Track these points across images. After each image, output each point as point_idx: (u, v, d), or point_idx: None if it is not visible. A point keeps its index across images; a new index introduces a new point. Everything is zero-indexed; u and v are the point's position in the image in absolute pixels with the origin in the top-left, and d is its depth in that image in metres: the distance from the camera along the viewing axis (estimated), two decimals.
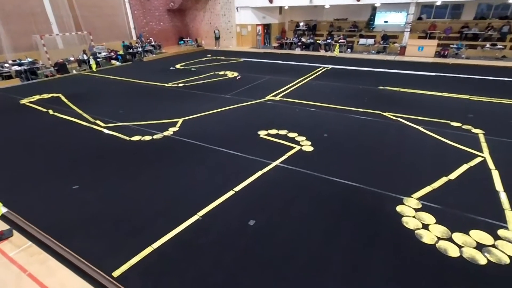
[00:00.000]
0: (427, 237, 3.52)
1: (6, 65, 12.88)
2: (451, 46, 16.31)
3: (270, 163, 5.22)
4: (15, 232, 3.70)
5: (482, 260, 3.19)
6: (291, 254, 3.31)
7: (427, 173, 4.87)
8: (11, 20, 13.82)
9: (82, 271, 3.12)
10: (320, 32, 21.79)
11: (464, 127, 6.73)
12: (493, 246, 3.37)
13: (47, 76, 13.36)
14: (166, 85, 11.13)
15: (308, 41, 19.87)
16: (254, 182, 4.69)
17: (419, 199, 4.21)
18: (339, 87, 10.44)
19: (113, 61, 16.45)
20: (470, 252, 3.29)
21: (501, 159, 5.24)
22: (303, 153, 5.62)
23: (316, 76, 12.34)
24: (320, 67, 14.16)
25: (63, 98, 9.68)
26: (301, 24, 22.20)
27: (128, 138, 6.36)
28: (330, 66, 14.25)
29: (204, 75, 12.53)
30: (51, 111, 8.32)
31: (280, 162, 5.26)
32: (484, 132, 6.39)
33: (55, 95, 10.08)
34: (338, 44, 18.20)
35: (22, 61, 13.26)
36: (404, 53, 16.85)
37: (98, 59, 15.36)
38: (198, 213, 3.96)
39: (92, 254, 3.32)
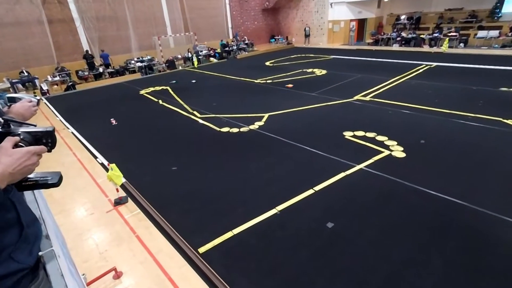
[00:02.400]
0: None
1: (132, 62, 15.88)
2: None
3: (354, 166, 4.96)
4: (129, 200, 4.57)
5: None
6: (368, 265, 3.10)
7: None
8: (139, 25, 16.84)
9: (174, 242, 3.63)
10: (425, 25, 19.18)
11: None
12: None
13: (159, 71, 15.81)
14: (256, 81, 11.71)
15: (409, 36, 17.75)
16: (336, 183, 4.55)
17: None
18: (444, 88, 9.03)
19: (211, 58, 18.25)
20: None
21: None
22: (392, 159, 5.13)
23: (416, 74, 10.96)
24: (422, 64, 12.50)
25: (170, 90, 11.28)
26: (403, 17, 19.96)
27: (218, 129, 7.00)
28: (435, 64, 12.43)
29: (292, 72, 12.65)
30: (160, 101, 9.81)
31: (365, 166, 4.94)
32: None
33: (164, 87, 11.84)
34: (447, 38, 15.67)
35: (143, 59, 16.02)
36: None
37: (199, 57, 17.30)
38: (276, 207, 4.09)
39: (183, 228, 3.82)
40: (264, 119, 7.42)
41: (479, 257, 3.09)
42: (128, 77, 14.78)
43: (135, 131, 7.50)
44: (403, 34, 18.25)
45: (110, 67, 15.30)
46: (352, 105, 8.08)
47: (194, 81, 10.04)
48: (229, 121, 7.50)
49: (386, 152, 5.35)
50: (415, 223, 3.64)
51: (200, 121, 7.69)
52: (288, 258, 3.27)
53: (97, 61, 15.51)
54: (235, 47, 19.47)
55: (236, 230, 3.72)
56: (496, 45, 15.08)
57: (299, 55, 17.40)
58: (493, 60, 12.47)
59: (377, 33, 20.08)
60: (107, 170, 4.58)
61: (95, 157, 6.10)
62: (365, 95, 8.81)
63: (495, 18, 16.89)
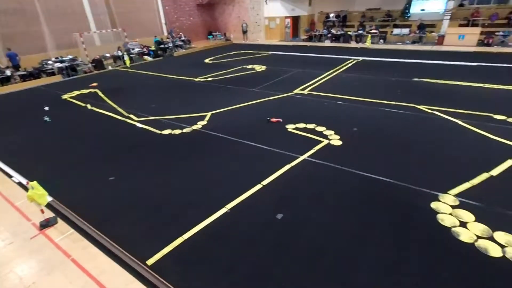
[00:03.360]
0: (465, 236, 3.33)
1: (50, 62, 13.88)
2: (497, 33, 14.94)
3: (298, 157, 5.18)
4: (59, 220, 4.02)
5: None
6: (320, 249, 3.28)
7: (466, 169, 4.56)
8: (54, 20, 14.82)
9: (119, 258, 3.33)
10: (351, 23, 20.97)
11: (510, 120, 6.19)
12: None
13: (85, 72, 14.23)
14: (195, 79, 11.38)
15: (338, 33, 19.24)
16: (282, 176, 4.69)
17: (457, 195, 3.97)
18: (370, 80, 10.03)
19: (145, 57, 17.11)
20: None
21: None
22: (331, 147, 5.51)
23: (346, 68, 11.94)
24: (351, 59, 13.67)
25: (99, 93, 10.26)
26: (331, 15, 21.50)
27: (159, 132, 6.62)
28: (361, 58, 13.71)
29: (232, 69, 12.63)
30: (89, 106, 8.86)
31: (308, 156, 5.20)
32: None
33: (92, 90, 10.71)
34: (370, 35, 17.42)
35: (64, 58, 14.20)
36: (443, 43, 15.75)
37: (131, 55, 16.05)
38: (226, 206, 4.04)
39: (128, 242, 3.52)
40: (207, 118, 7.26)
41: (410, 226, 3.52)
42: (45, 80, 12.87)
43: (60, 141, 6.63)
44: (333, 31, 19.68)
45: (20, 69, 13.08)
46: (293, 99, 8.42)
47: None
48: (170, 122, 7.15)
49: (325, 142, 5.72)
50: (356, 203, 3.97)
51: (138, 124, 7.17)
52: (244, 254, 3.27)
53: (2, 62, 13.15)
54: (171, 45, 18.62)
55: (187, 235, 3.57)
56: (408, 41, 17.27)
57: (239, 52, 17.46)
58: (407, 54, 14.27)
59: (310, 30, 21.25)
60: (26, 189, 3.95)
61: (10, 176, 5.23)
62: (303, 89, 9.27)
63: (406, 17, 19.33)
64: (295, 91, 9.06)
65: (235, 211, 3.96)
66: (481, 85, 8.73)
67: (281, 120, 6.74)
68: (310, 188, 4.38)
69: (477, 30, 15.16)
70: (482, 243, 3.21)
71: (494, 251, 3.11)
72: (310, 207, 3.96)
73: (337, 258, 3.15)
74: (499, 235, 3.29)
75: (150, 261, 3.22)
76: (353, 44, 18.16)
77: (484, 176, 4.36)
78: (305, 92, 8.99)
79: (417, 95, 8.15)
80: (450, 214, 3.66)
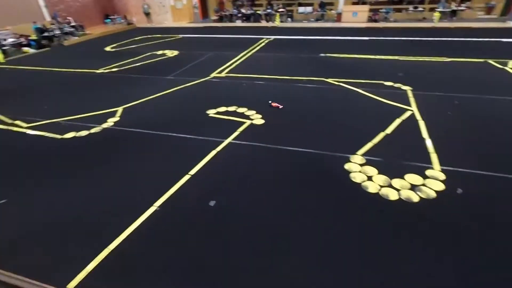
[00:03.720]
0: (372, 187, 3.89)
1: None
2: (381, 10, 17.32)
3: (223, 141, 5.15)
4: None
5: (415, 198, 3.66)
6: (255, 226, 3.38)
7: (368, 131, 5.28)
8: None
9: None
10: (259, 1, 21.32)
11: (396, 85, 7.37)
12: (423, 185, 3.88)
13: None
14: (97, 71, 10.02)
15: (248, 12, 19.38)
16: (210, 162, 4.61)
17: (363, 155, 4.58)
18: (283, 58, 10.51)
19: (25, 49, 14.11)
20: (406, 194, 3.73)
21: (426, 110, 5.90)
22: (254, 127, 5.64)
23: (261, 48, 12.21)
24: (263, 38, 14.00)
25: None
26: None
27: (59, 137, 5.66)
28: (273, 37, 14.18)
29: (140, 56, 11.54)
30: None
31: (233, 139, 5.22)
32: (412, 88, 7.08)
33: None
34: (278, 14, 18.08)
35: None
36: (341, 20, 17.47)
37: (4, 47, 13.06)
38: (155, 204, 3.78)
39: (41, 269, 2.99)
40: (118, 114, 6.53)
41: (325, 187, 3.92)
42: None
43: None
44: (243, 10, 19.70)
45: None
46: (210, 83, 8.24)
47: None
48: (73, 124, 6.18)
49: (248, 122, 5.81)
50: (282, 177, 4.20)
51: (30, 132, 5.99)
52: (178, 249, 3.14)
53: None
54: (59, 32, 15.80)
55: (113, 245, 3.23)
56: (312, 19, 18.59)
57: (145, 36, 16.01)
58: (313, 31, 15.38)
59: (220, 9, 20.81)
60: None
61: None
62: (220, 72, 9.14)
63: None
64: (212, 75, 8.87)
65: (165, 207, 3.74)
66: (373, 56, 10.08)
67: (280, 106, 6.42)
68: (238, 170, 4.43)
69: (366, 7, 17.27)
70: (384, 191, 3.81)
71: (393, 195, 3.73)
72: (241, 190, 4.02)
73: (271, 233, 3.31)
74: (395, 182, 3.96)
75: (71, 284, 2.81)
76: (263, 23, 18.60)
77: (381, 135, 5.12)
78: (223, 74, 8.89)
79: (325, 69, 8.93)
80: (360, 171, 4.22)
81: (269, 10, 18.73)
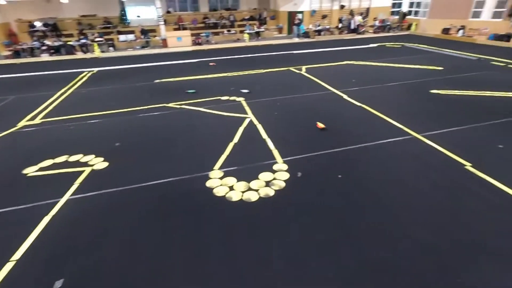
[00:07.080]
0: (235, 196, 4.12)
1: None
2: (201, 34, 18.98)
3: (58, 201, 4.10)
4: None
5: (271, 192, 4.17)
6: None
7: (218, 144, 5.58)
8: None
9: None
10: (67, 31, 18.65)
11: (231, 98, 8.22)
12: (274, 178, 4.47)
13: None
14: None
15: (56, 44, 16.57)
16: (43, 233, 3.54)
17: (220, 168, 4.80)
18: (115, 89, 9.61)
19: None
20: (265, 191, 4.18)
21: (259, 115, 6.90)
22: (97, 173, 4.82)
23: (83, 82, 10.67)
24: (84, 71, 12.35)
25: None
26: (37, 23, 17.96)
27: None
28: (96, 69, 12.75)
29: None
30: None
31: (72, 195, 4.25)
32: (244, 99, 8.10)
33: None
34: (96, 44, 16.43)
35: None
36: (167, 45, 17.86)
37: None
38: None
39: None
40: None
41: (198, 209, 3.84)
42: None
43: None
44: (48, 42, 16.64)
45: None
46: (21, 134, 6.42)
47: None
48: None
49: (88, 169, 4.91)
50: (151, 218, 3.76)
51: None
52: None
53: None
54: None
55: None
56: (137, 47, 18.03)
57: None
58: (139, 59, 14.89)
59: (12, 43, 16.71)
60: None
61: None
62: (32, 118, 7.29)
63: (126, 23, 19.88)
64: (21, 124, 6.97)
65: None
66: (205, 76, 10.86)
67: (324, 126, 5.99)
68: (89, 227, 3.64)
69: (188, 32, 18.43)
70: (246, 195, 4.12)
71: (254, 197, 4.09)
72: (95, 251, 3.30)
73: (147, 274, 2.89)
74: (253, 184, 4.36)
75: None
76: (80, 55, 16.44)
77: (231, 145, 5.54)
78: (37, 121, 7.13)
79: (163, 94, 8.82)
80: (221, 185, 4.38)
81: (83, 40, 16.70)
